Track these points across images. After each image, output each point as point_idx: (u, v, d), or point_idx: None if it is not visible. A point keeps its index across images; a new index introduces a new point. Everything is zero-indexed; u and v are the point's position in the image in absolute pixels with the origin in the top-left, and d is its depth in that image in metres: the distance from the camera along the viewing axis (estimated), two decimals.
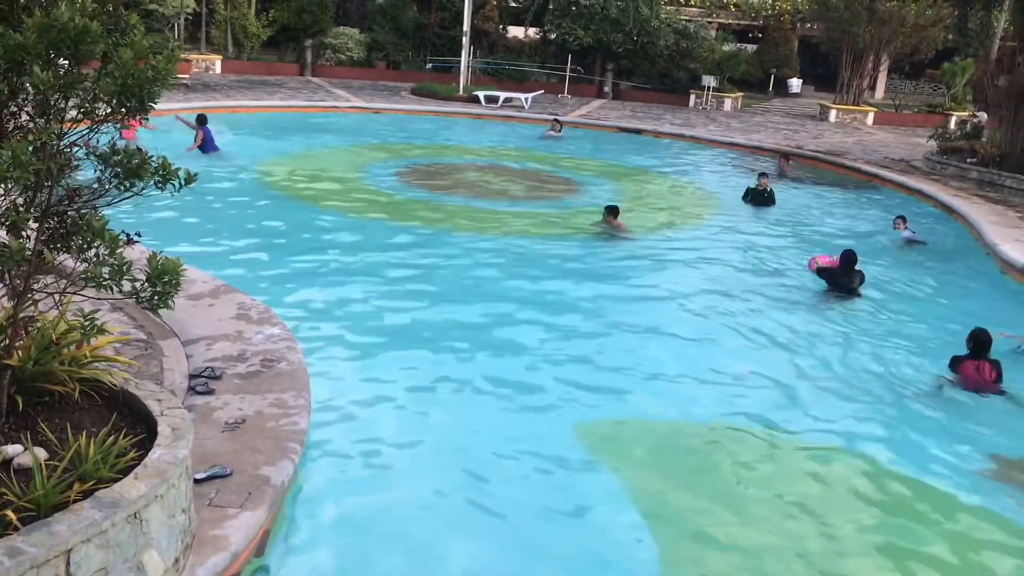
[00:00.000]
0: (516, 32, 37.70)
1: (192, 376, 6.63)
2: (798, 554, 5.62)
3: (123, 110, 4.17)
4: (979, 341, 8.30)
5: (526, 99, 28.22)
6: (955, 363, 8.36)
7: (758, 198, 16.33)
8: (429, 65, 33.31)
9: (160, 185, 4.33)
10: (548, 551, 5.49)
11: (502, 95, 28.45)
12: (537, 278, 11.04)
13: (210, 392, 6.35)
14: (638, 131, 25.42)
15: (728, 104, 31.92)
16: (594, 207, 15.54)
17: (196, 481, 4.97)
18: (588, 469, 6.52)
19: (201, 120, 17.48)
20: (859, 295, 10.74)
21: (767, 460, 6.87)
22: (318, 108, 25.05)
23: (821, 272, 10.95)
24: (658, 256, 12.56)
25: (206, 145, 17.18)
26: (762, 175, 16.89)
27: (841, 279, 10.84)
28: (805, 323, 10.01)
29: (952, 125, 26.60)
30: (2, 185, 3.94)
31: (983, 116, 23.23)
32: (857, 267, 10.89)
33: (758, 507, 6.17)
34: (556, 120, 24.11)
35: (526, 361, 8.39)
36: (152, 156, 4.33)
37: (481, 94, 28.43)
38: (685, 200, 17.02)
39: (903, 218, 14.66)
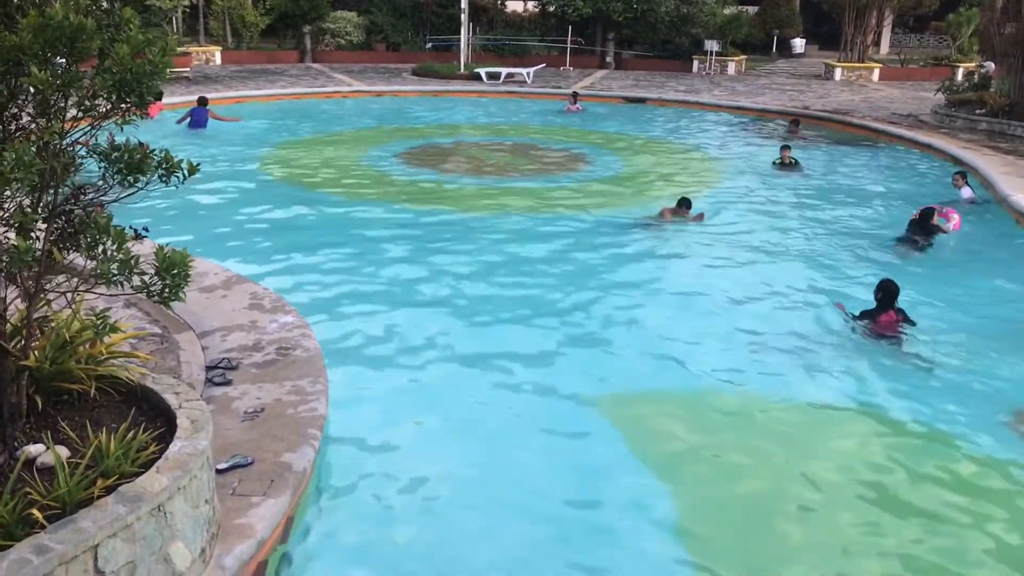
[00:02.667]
0: (515, 6, 37.43)
1: (209, 368, 6.66)
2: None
3: (123, 106, 4.17)
4: (888, 292, 8.50)
5: (528, 74, 28.07)
6: (870, 315, 8.53)
7: (782, 166, 16.27)
8: (429, 45, 33.14)
9: (164, 179, 4.33)
10: (574, 522, 5.52)
11: (504, 71, 28.31)
12: (555, 253, 11.03)
13: (227, 383, 6.38)
14: (642, 100, 25.26)
15: (732, 68, 31.66)
16: (605, 178, 15.51)
17: (218, 471, 5.01)
18: (611, 440, 6.54)
19: (201, 101, 19.06)
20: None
21: (797, 427, 6.88)
22: (320, 94, 24.98)
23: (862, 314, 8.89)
24: (677, 227, 12.49)
25: (193, 123, 18.77)
26: (784, 147, 16.75)
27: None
28: (835, 288, 9.93)
29: (959, 77, 26.30)
30: (8, 187, 3.95)
31: (990, 66, 22.97)
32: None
33: (787, 478, 6.18)
34: (575, 94, 23.83)
35: (547, 335, 8.39)
36: (154, 150, 4.33)
37: (483, 71, 28.29)
38: (695, 167, 16.91)
39: (963, 174, 14.00)
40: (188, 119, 18.80)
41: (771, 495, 5.91)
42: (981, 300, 9.69)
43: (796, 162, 16.26)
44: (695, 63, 31.92)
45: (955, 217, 11.66)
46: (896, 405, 7.09)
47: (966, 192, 13.66)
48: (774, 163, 16.39)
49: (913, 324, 8.50)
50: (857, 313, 8.66)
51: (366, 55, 33.29)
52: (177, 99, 20.71)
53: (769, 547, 5.39)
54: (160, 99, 4.28)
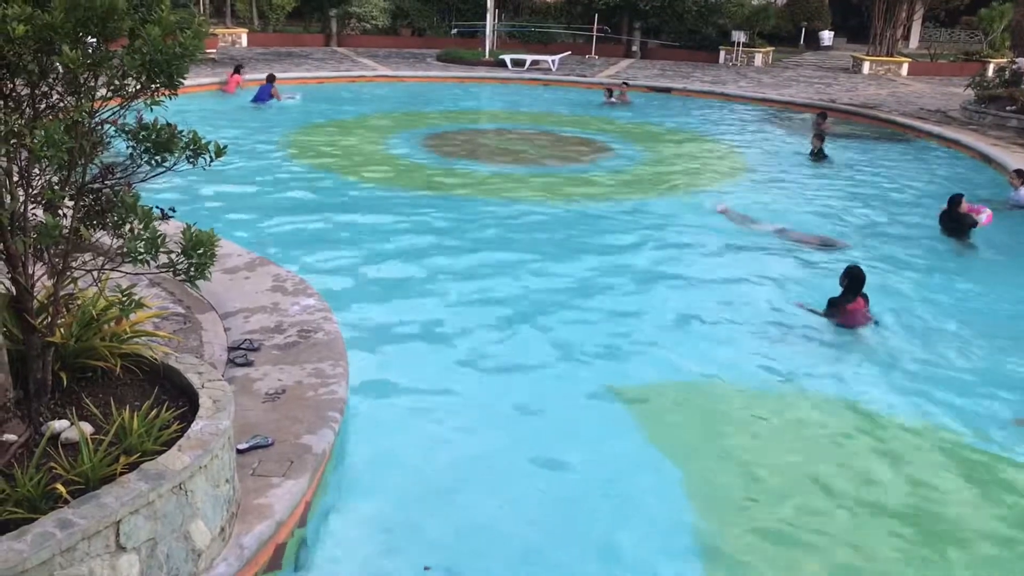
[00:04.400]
0: None
1: (231, 348, 6.70)
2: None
3: (152, 86, 4.19)
4: (855, 278, 8.41)
5: (553, 61, 27.96)
6: (838, 304, 8.39)
7: (815, 157, 16.23)
8: (454, 31, 33.06)
9: (192, 159, 4.36)
10: (588, 503, 5.53)
11: (529, 58, 28.20)
12: (575, 241, 11.03)
13: (249, 364, 6.42)
14: (667, 90, 25.11)
15: (759, 59, 31.41)
16: (628, 168, 15.47)
17: (239, 451, 5.05)
18: (625, 427, 6.56)
19: (269, 78, 20.54)
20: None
21: (806, 418, 6.86)
22: (345, 78, 24.99)
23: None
24: (698, 216, 12.44)
25: (256, 97, 20.12)
26: (816, 136, 16.70)
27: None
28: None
29: (990, 73, 25.94)
30: (37, 164, 3.98)
31: (1023, 62, 22.62)
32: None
33: (791, 466, 6.17)
34: (608, 89, 23.18)
35: (564, 324, 8.40)
36: (182, 131, 4.35)
37: (507, 58, 28.20)
38: (720, 159, 16.82)
39: (1020, 172, 13.32)
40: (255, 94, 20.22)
41: (784, 490, 5.90)
42: (998, 298, 9.61)
43: (825, 155, 16.15)
44: (722, 54, 31.68)
45: (987, 211, 11.52)
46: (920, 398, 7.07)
47: (1022, 193, 13.15)
48: (810, 154, 16.28)
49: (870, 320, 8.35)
50: (823, 307, 8.51)
51: (391, 40, 33.25)
52: (204, 80, 20.80)
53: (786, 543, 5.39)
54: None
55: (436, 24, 33.92)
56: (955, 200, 11.51)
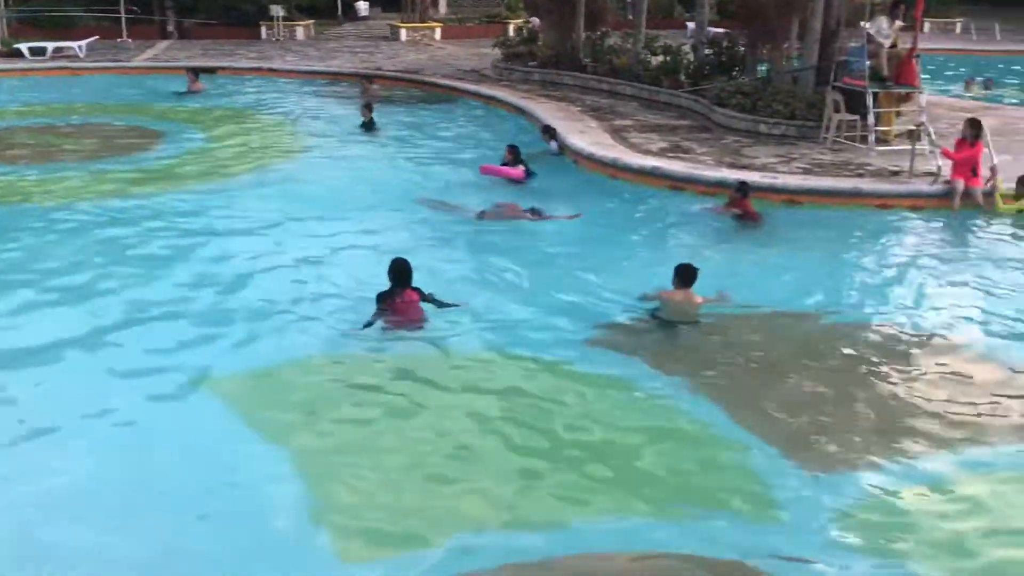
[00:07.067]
0: None
1: None
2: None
3: None
4: (398, 271, 7.88)
5: (80, 47, 25.54)
6: (385, 298, 7.83)
7: (365, 128, 16.58)
8: None
9: None
10: (195, 508, 5.36)
11: (50, 45, 25.47)
12: (138, 238, 10.36)
13: None
14: (213, 69, 24.17)
15: (300, 33, 31.45)
16: (189, 153, 14.77)
17: None
18: (226, 421, 6.41)
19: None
20: None
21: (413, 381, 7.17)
22: None
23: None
24: (266, 194, 12.23)
25: None
26: (365, 107, 17.08)
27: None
28: (419, 243, 10.36)
29: (511, 33, 28.56)
30: None
31: (536, 21, 25.17)
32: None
33: (399, 432, 6.45)
34: (193, 72, 21.24)
35: (138, 321, 7.97)
36: None
37: (24, 47, 25.24)
38: (279, 135, 16.60)
39: (549, 129, 14.99)
40: None
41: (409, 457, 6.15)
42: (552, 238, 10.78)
43: (375, 124, 16.63)
44: (263, 29, 31.22)
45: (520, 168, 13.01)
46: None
47: (553, 145, 14.76)
48: (361, 125, 16.65)
49: (448, 305, 8.01)
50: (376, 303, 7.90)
51: None
52: None
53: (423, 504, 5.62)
54: None
55: None
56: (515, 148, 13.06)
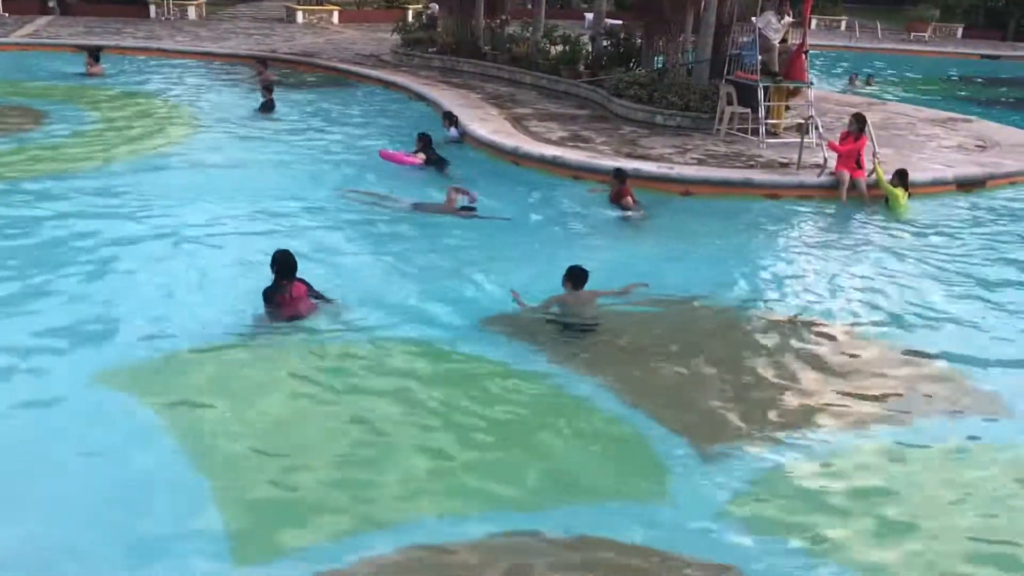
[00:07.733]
0: None
1: None
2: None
3: None
4: (282, 264, 7.65)
5: None
6: (272, 294, 7.61)
7: (263, 109, 16.29)
8: None
9: None
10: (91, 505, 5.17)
11: None
12: (36, 222, 9.91)
13: None
14: (98, 48, 23.16)
15: (192, 12, 30.47)
16: (80, 133, 14.17)
17: None
18: (122, 411, 6.24)
19: None
20: None
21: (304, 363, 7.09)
22: None
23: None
24: (159, 180, 11.84)
25: None
26: (265, 88, 16.76)
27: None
28: (320, 231, 10.25)
29: (410, 18, 28.31)
30: None
31: (435, 7, 25.02)
32: None
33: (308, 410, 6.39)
34: (92, 53, 20.04)
35: (22, 319, 7.56)
36: None
37: None
38: (168, 118, 16.05)
39: (450, 116, 14.90)
40: None
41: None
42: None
43: (274, 106, 16.32)
44: (152, 8, 30.10)
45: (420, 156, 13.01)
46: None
47: (453, 132, 14.69)
48: (260, 107, 16.30)
49: (328, 301, 7.85)
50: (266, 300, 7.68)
51: None
52: None
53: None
54: None
55: None
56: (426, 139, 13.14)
